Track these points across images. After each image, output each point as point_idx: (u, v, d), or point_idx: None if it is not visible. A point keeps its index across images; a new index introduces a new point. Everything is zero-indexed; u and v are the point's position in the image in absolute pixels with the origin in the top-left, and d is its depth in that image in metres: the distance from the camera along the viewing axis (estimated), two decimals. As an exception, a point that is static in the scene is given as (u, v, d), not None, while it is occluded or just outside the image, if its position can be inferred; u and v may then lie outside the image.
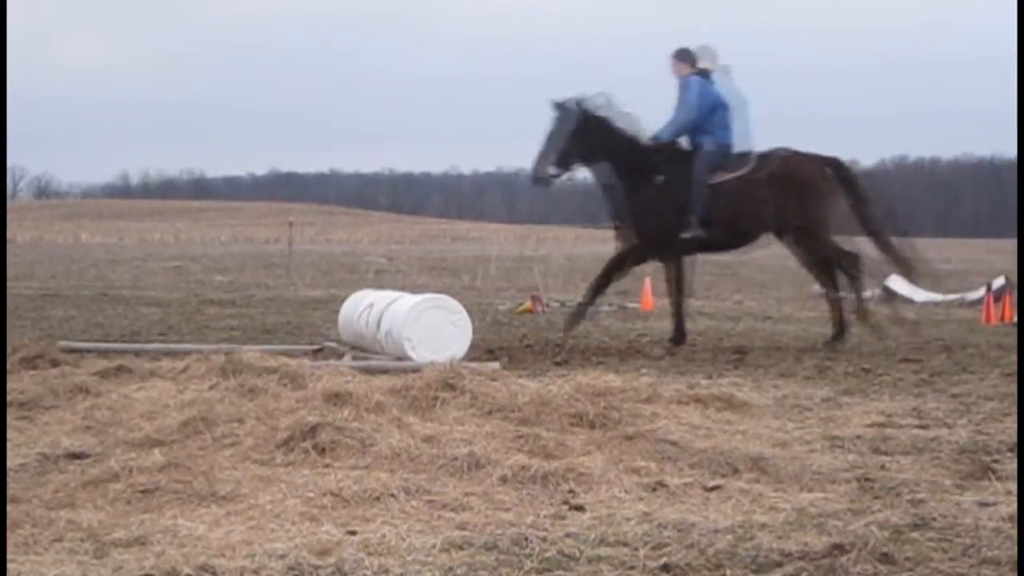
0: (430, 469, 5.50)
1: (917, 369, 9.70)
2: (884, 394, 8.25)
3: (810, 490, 5.32)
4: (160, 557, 4.16)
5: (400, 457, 5.66)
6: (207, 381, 7.61)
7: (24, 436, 6.43)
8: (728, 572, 4.12)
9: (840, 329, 11.41)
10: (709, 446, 6.03)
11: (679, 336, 11.29)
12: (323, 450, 5.74)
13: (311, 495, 4.99)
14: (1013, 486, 5.29)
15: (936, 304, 17.88)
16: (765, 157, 11.15)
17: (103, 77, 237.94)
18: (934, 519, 4.78)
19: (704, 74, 11.09)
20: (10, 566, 4.07)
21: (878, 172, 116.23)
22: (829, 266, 11.48)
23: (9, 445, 6.02)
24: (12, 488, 5.10)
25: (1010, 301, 14.74)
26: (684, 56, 11.11)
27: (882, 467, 5.80)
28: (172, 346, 10.66)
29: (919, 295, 18.88)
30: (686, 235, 10.91)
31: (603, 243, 24.69)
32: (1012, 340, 11.82)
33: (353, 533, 4.48)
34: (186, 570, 4.00)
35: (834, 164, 11.50)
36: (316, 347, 10.74)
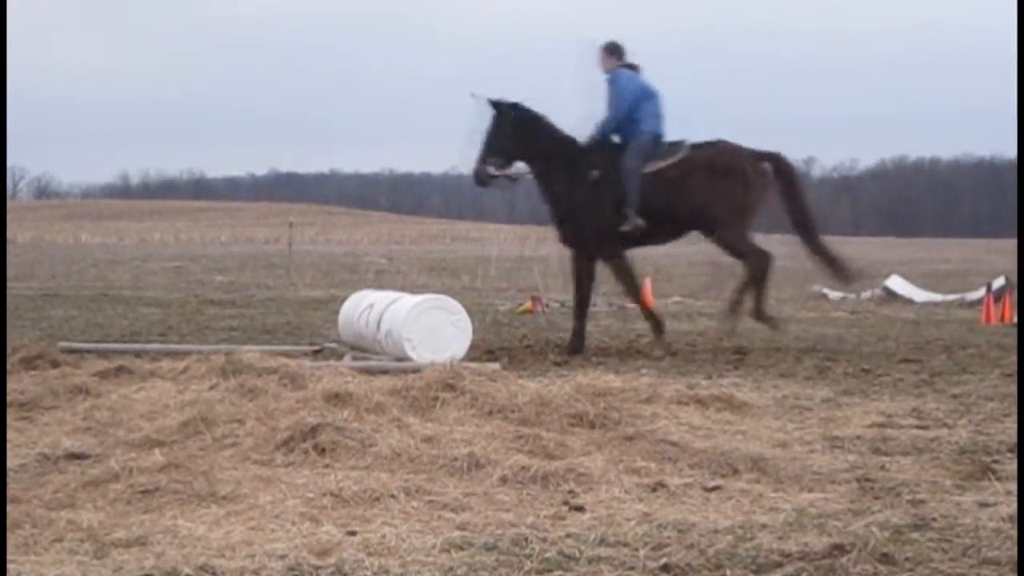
0: (430, 469, 5.50)
1: (917, 369, 9.70)
2: (884, 394, 8.25)
3: (810, 490, 5.32)
4: (160, 557, 4.16)
5: (400, 457, 5.66)
6: (207, 381, 7.61)
7: (24, 436, 6.43)
8: (728, 572, 4.12)
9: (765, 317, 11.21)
10: (709, 446, 6.04)
11: (657, 328, 11.26)
12: (323, 450, 5.74)
13: (311, 495, 4.99)
14: (1013, 486, 5.29)
15: (936, 304, 17.91)
16: (698, 147, 11.06)
17: (103, 77, 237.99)
18: (934, 519, 4.78)
19: (632, 68, 11.00)
20: (10, 566, 4.07)
21: (878, 172, 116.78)
22: (741, 259, 11.23)
23: (9, 445, 6.02)
24: (12, 488, 5.10)
25: (1010, 301, 14.74)
26: (613, 49, 11.00)
27: (882, 467, 5.80)
28: (172, 346, 10.66)
29: (919, 295, 18.92)
30: (626, 228, 10.75)
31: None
32: (1012, 340, 11.82)
33: (353, 533, 4.48)
34: (186, 570, 4.00)
35: (773, 159, 11.33)
36: (316, 347, 10.74)
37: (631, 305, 16.69)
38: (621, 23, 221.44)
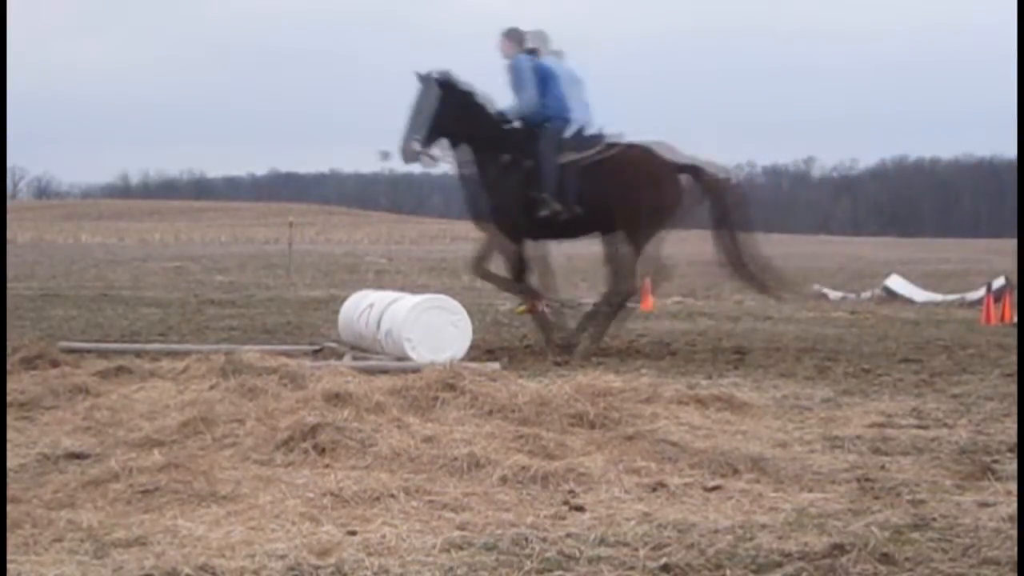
0: (430, 469, 5.50)
1: (917, 369, 9.70)
2: (884, 394, 8.26)
3: (810, 490, 5.32)
4: (160, 557, 4.16)
5: (400, 457, 5.66)
6: (207, 381, 7.61)
7: (24, 436, 6.43)
8: (728, 572, 4.12)
9: (576, 331, 11.00)
10: (709, 446, 6.04)
11: (546, 330, 11.04)
12: (323, 450, 5.74)
13: (311, 495, 4.99)
14: (1013, 486, 5.29)
15: (936, 304, 17.92)
16: (617, 146, 10.89)
17: (103, 77, 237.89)
18: (934, 519, 4.78)
19: (532, 53, 10.84)
20: (10, 566, 4.07)
21: (878, 172, 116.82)
22: (619, 270, 11.06)
23: (9, 445, 6.02)
24: (12, 488, 5.10)
25: (1010, 301, 14.75)
26: (513, 35, 10.88)
27: (882, 467, 5.80)
28: (172, 346, 10.66)
29: (919, 295, 18.92)
30: (544, 213, 10.58)
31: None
32: (1012, 340, 11.82)
33: (353, 533, 4.48)
34: (186, 570, 4.00)
35: (694, 171, 11.21)
36: (316, 347, 10.74)
37: (631, 305, 16.71)
38: (621, 23, 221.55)
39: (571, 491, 5.20)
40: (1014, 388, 8.32)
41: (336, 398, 6.55)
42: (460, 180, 11.08)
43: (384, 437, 5.88)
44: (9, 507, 4.68)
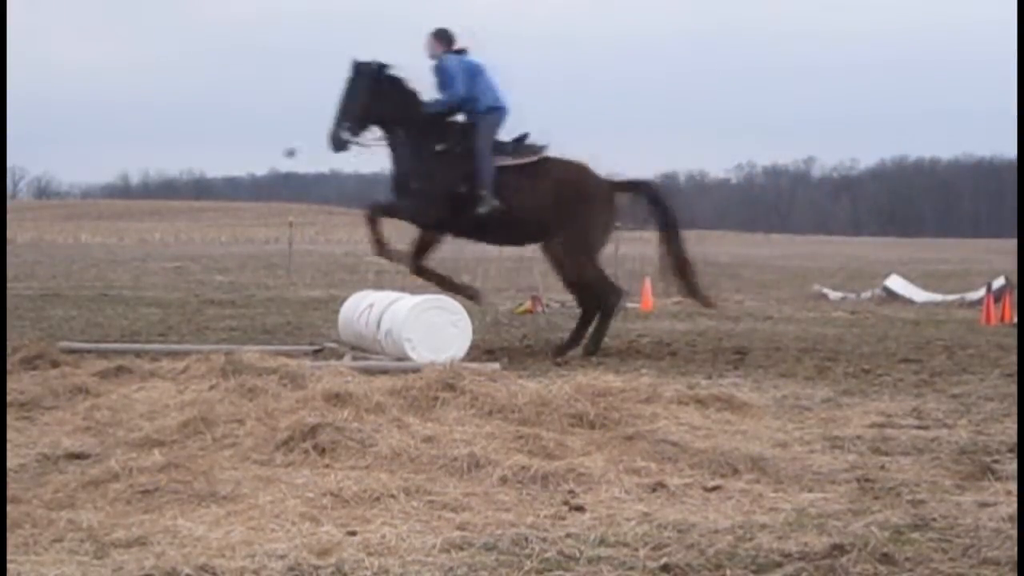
0: (430, 469, 5.50)
1: (917, 369, 9.70)
2: (884, 394, 8.26)
3: (810, 490, 5.32)
4: (160, 557, 4.16)
5: (400, 457, 5.65)
6: (207, 381, 7.60)
7: (24, 436, 6.43)
8: (728, 572, 4.12)
9: (571, 340, 10.82)
10: (709, 446, 6.03)
11: (471, 292, 10.99)
12: (323, 450, 5.74)
13: (311, 495, 4.98)
14: (1013, 486, 5.29)
15: (936, 304, 17.92)
16: (552, 159, 10.81)
17: (103, 77, 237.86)
18: (934, 519, 4.78)
19: (461, 52, 10.82)
20: (10, 566, 4.06)
21: (878, 172, 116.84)
22: (590, 288, 10.99)
23: (9, 445, 6.02)
24: (12, 488, 5.10)
25: (1010, 301, 14.75)
26: (441, 36, 10.84)
27: (882, 467, 5.80)
28: (172, 346, 10.66)
29: (919, 295, 18.93)
30: (483, 210, 10.47)
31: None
32: (1012, 340, 11.82)
33: (353, 533, 4.48)
34: (186, 570, 4.00)
35: (634, 187, 11.21)
36: (316, 347, 10.74)
37: (632, 305, 16.72)
38: (622, 23, 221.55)
39: (571, 491, 5.20)
40: (1014, 388, 8.32)
41: (336, 398, 6.55)
42: (391, 160, 10.92)
43: (384, 437, 5.88)
44: (9, 507, 4.68)
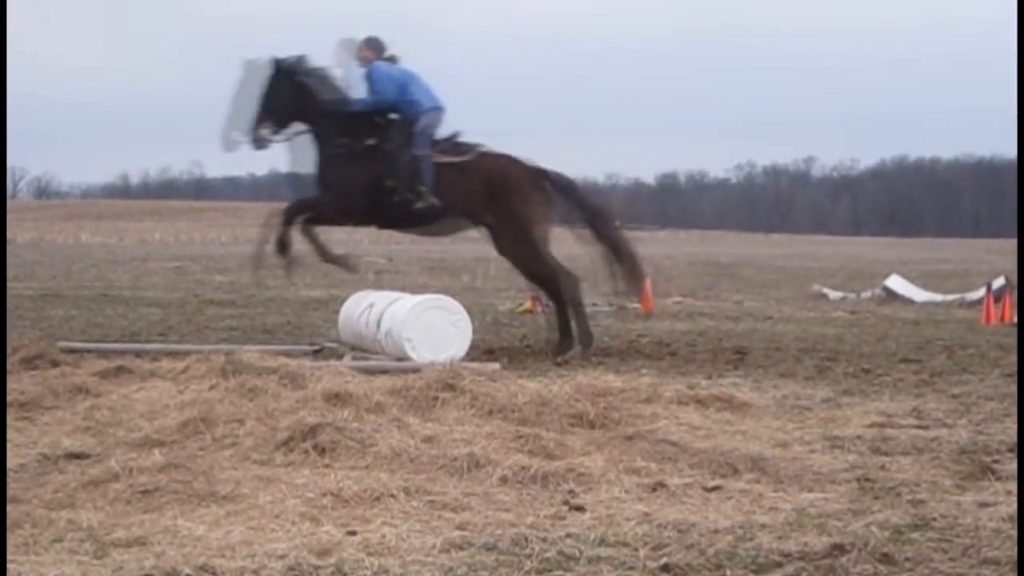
0: (430, 469, 5.50)
1: (917, 369, 9.70)
2: (884, 394, 8.26)
3: (810, 490, 5.32)
4: (160, 557, 4.16)
5: (400, 457, 5.66)
6: (207, 381, 7.61)
7: (24, 436, 6.44)
8: (728, 572, 4.12)
9: (564, 337, 10.77)
10: (709, 446, 6.04)
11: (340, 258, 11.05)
12: (323, 450, 5.74)
13: (311, 495, 4.99)
14: (1013, 486, 5.29)
15: (936, 304, 17.92)
16: (486, 155, 10.86)
17: (103, 77, 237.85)
18: (934, 519, 4.78)
19: (392, 60, 10.84)
20: (10, 566, 4.07)
21: (878, 172, 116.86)
22: (547, 280, 11.04)
23: (9, 445, 6.02)
24: (12, 488, 5.10)
25: (1010, 301, 14.75)
26: (372, 44, 10.84)
27: (882, 467, 5.80)
28: (172, 346, 10.66)
29: (919, 295, 18.93)
30: (420, 205, 10.50)
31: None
32: (1012, 340, 11.82)
33: (353, 533, 4.48)
34: (186, 570, 4.00)
35: (550, 177, 11.14)
36: (316, 347, 10.74)
37: (632, 305, 16.71)
38: (622, 23, 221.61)
39: (571, 491, 5.20)
40: (1014, 388, 8.32)
41: (336, 398, 6.55)
42: (315, 155, 10.86)
43: (384, 437, 5.88)
44: (9, 507, 4.68)
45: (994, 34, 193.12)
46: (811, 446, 6.35)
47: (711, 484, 5.34)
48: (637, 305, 16.47)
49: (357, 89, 10.83)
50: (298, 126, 10.77)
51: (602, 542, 4.44)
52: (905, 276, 20.97)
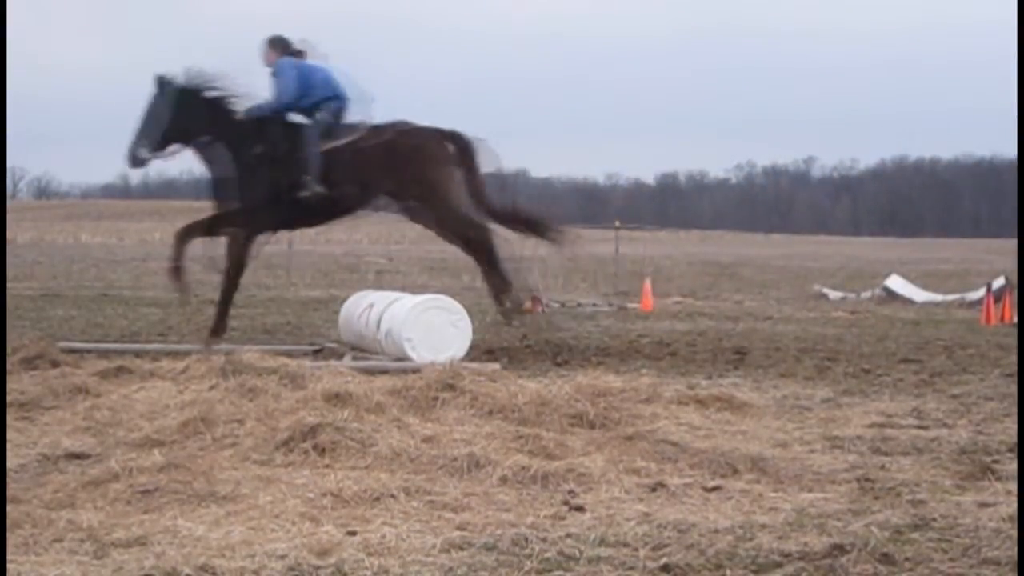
0: (430, 469, 5.50)
1: (917, 369, 9.71)
2: (884, 394, 8.26)
3: (810, 490, 5.32)
4: (160, 557, 4.16)
5: (400, 457, 5.66)
6: (207, 381, 7.61)
7: (24, 436, 6.43)
8: (728, 572, 4.12)
9: (505, 305, 10.89)
10: (709, 446, 6.04)
11: (219, 327, 10.83)
12: (323, 450, 5.74)
13: (311, 495, 4.99)
14: (1013, 486, 5.30)
15: (936, 304, 17.93)
16: (378, 128, 10.85)
17: (103, 77, 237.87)
18: (934, 519, 4.78)
19: (298, 55, 10.81)
20: (10, 566, 4.07)
21: (878, 172, 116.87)
22: (472, 241, 11.09)
23: (9, 445, 6.02)
24: (12, 488, 5.10)
25: (1010, 301, 14.76)
26: (276, 43, 10.85)
27: (882, 467, 5.80)
28: (172, 346, 10.66)
29: (919, 295, 18.94)
30: (305, 193, 10.50)
31: (603, 244, 24.72)
32: (1012, 340, 11.83)
33: (353, 533, 4.48)
34: (186, 570, 4.00)
35: (452, 137, 11.12)
36: (316, 347, 10.74)
37: (632, 305, 16.71)
38: (622, 23, 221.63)
39: (571, 491, 5.20)
40: (1014, 388, 8.32)
41: (336, 398, 6.55)
42: (209, 171, 10.92)
43: (384, 437, 5.88)
44: (9, 507, 4.68)
45: (994, 34, 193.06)
46: (811, 446, 6.35)
47: (711, 484, 5.34)
48: (637, 305, 16.49)
49: (263, 92, 10.86)
50: (177, 146, 10.77)
51: (602, 542, 4.43)
52: (905, 276, 21.00)
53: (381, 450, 5.73)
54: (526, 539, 4.43)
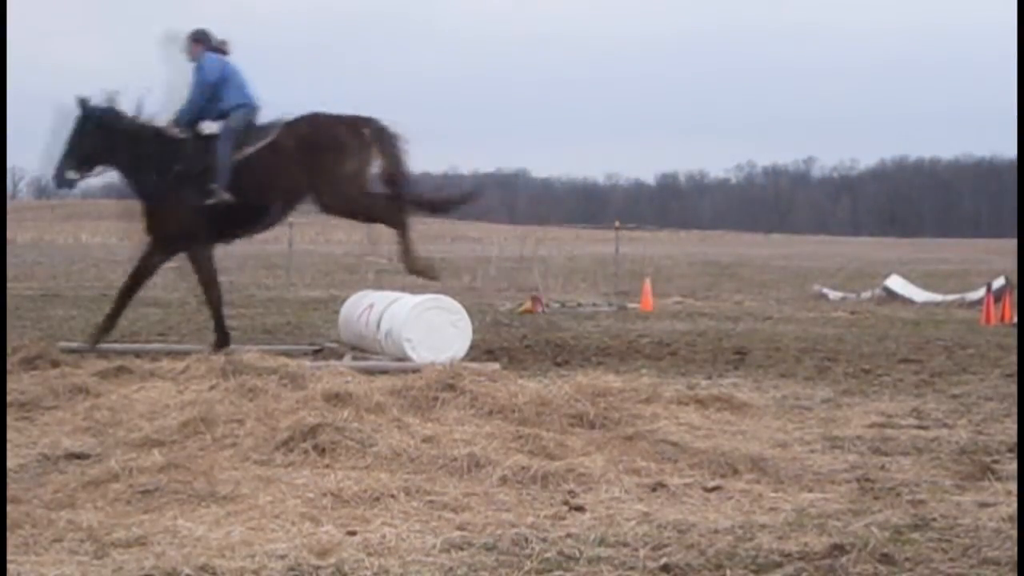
0: (430, 469, 5.50)
1: (917, 369, 9.71)
2: (884, 394, 8.26)
3: (810, 490, 5.32)
4: (160, 557, 4.16)
5: (400, 457, 5.66)
6: (207, 381, 7.61)
7: (24, 436, 6.44)
8: (728, 572, 4.12)
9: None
10: (709, 446, 6.04)
11: (223, 338, 10.68)
12: (323, 450, 5.74)
13: (311, 495, 4.99)
14: (1013, 486, 5.30)
15: (936, 304, 17.92)
16: (291, 124, 10.76)
17: (103, 77, 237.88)
18: (934, 519, 4.78)
19: (220, 51, 10.77)
20: (10, 566, 4.07)
21: (878, 172, 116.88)
22: (373, 218, 11.06)
23: (9, 445, 6.03)
24: (12, 488, 5.10)
25: (1010, 301, 14.76)
26: (199, 37, 10.78)
27: (882, 467, 5.80)
28: (172, 346, 10.66)
29: (919, 295, 18.94)
30: (211, 201, 10.44)
31: (603, 244, 24.74)
32: (1012, 340, 11.83)
33: (353, 533, 4.48)
34: (186, 570, 4.00)
35: (368, 123, 10.95)
36: (316, 347, 10.74)
37: (632, 305, 16.72)
38: (622, 23, 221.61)
39: (571, 491, 5.20)
40: (1014, 388, 8.32)
41: (336, 398, 6.55)
42: (131, 188, 10.96)
43: (384, 437, 5.88)
44: (9, 507, 4.68)
45: (994, 34, 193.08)
46: (811, 446, 6.35)
47: (711, 484, 5.34)
48: (637, 305, 16.49)
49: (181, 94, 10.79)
50: (101, 168, 10.75)
51: (602, 542, 4.44)
52: (905, 276, 20.99)
53: (381, 450, 5.73)
54: (526, 539, 4.43)
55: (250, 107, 10.73)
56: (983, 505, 5.01)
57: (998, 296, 15.09)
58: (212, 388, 7.34)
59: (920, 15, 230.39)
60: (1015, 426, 6.86)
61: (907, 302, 18.39)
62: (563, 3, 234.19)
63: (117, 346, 10.51)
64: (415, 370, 7.79)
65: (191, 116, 10.68)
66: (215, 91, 10.63)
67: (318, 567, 4.09)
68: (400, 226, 10.78)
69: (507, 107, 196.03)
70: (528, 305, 16.07)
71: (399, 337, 9.63)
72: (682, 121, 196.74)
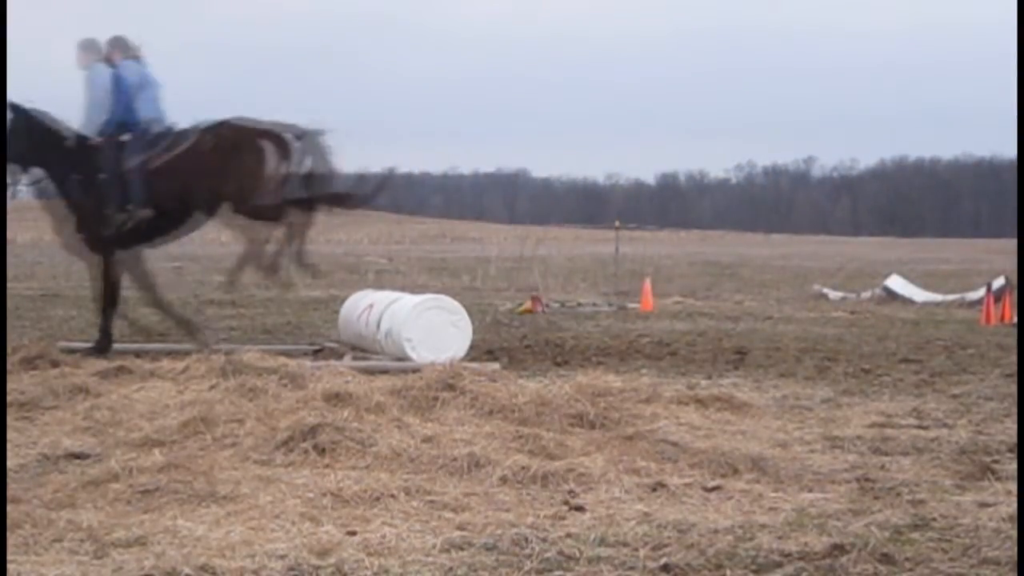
0: (430, 469, 5.50)
1: (917, 369, 9.71)
2: (884, 394, 8.26)
3: (810, 490, 5.32)
4: (160, 557, 4.16)
5: (400, 457, 5.66)
6: (207, 381, 7.61)
7: (24, 436, 6.44)
8: (728, 572, 4.12)
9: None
10: (709, 446, 6.04)
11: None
12: (323, 450, 5.74)
13: (311, 495, 4.99)
14: (1013, 486, 5.30)
15: (936, 304, 17.92)
16: (207, 130, 10.69)
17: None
18: (934, 519, 4.78)
19: (110, 62, 10.68)
20: (10, 566, 4.06)
21: (878, 172, 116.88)
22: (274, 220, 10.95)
23: (9, 445, 6.02)
24: (12, 488, 5.10)
25: (1010, 301, 14.76)
26: (88, 47, 10.72)
27: (882, 467, 5.80)
28: (172, 346, 10.66)
29: (919, 295, 18.93)
30: (123, 216, 10.45)
31: (603, 244, 24.74)
32: (1012, 340, 11.82)
33: (353, 533, 4.48)
34: (186, 570, 4.00)
35: (288, 128, 10.85)
36: (316, 347, 10.74)
37: (632, 305, 16.71)
38: (621, 23, 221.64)
39: (571, 491, 5.20)
40: (1014, 388, 8.32)
41: (336, 398, 6.55)
42: (60, 195, 10.82)
43: (384, 437, 5.88)
44: (9, 507, 4.68)
45: (994, 34, 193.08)
46: (811, 446, 6.35)
47: (711, 484, 5.34)
48: (637, 305, 16.49)
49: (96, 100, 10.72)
50: (38, 172, 10.70)
51: (602, 542, 4.44)
52: (905, 276, 20.98)
53: (381, 450, 5.73)
54: (526, 539, 4.43)
55: (159, 122, 10.70)
56: (983, 505, 5.01)
57: (998, 296, 15.08)
58: (212, 388, 7.34)
59: (920, 15, 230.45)
60: (1015, 426, 6.86)
61: (907, 302, 18.38)
62: (563, 3, 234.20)
63: (117, 346, 10.51)
64: (415, 370, 7.79)
65: (97, 127, 10.58)
66: (115, 109, 10.54)
67: (318, 567, 4.09)
68: (307, 227, 10.92)
69: (507, 107, 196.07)
70: (528, 305, 16.06)
71: (399, 337, 9.63)
72: (682, 121, 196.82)
